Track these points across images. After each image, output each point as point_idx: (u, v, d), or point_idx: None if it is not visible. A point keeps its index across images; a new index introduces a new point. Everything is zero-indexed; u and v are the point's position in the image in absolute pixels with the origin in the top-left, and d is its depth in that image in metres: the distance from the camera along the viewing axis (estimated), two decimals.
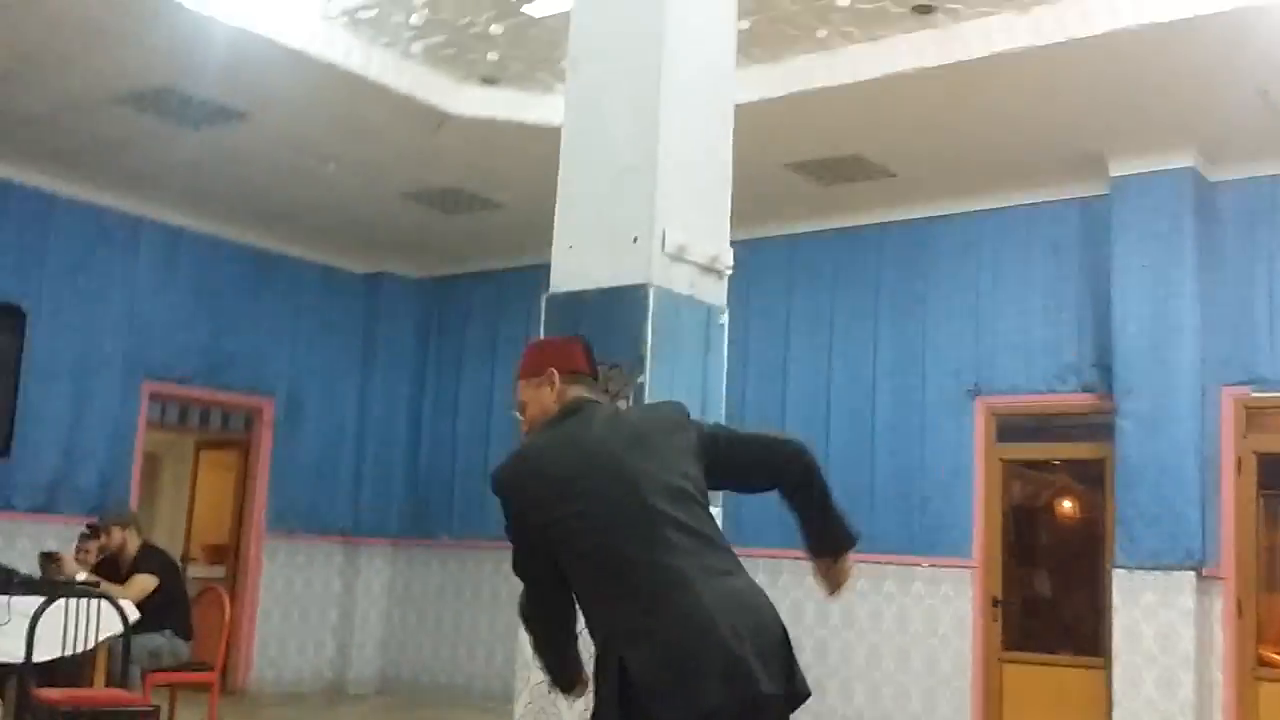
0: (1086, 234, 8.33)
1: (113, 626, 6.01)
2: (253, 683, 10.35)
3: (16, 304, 5.59)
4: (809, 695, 2.68)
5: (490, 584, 10.37)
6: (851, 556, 2.98)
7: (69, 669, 6.03)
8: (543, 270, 5.52)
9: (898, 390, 8.95)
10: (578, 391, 2.91)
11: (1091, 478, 8.39)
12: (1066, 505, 9.21)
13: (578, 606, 2.76)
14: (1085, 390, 8.24)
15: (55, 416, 8.92)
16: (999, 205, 8.68)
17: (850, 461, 8.95)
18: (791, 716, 2.69)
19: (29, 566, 7.28)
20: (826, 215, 9.23)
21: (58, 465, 8.97)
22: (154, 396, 9.80)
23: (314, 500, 10.84)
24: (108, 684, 6.22)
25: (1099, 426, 8.10)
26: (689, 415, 2.95)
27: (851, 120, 7.58)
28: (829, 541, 2.95)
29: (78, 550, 7.40)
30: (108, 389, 9.34)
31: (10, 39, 6.90)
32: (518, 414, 2.98)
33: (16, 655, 5.63)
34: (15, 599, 5.94)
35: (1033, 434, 8.66)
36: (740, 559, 2.81)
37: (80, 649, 5.94)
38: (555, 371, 2.92)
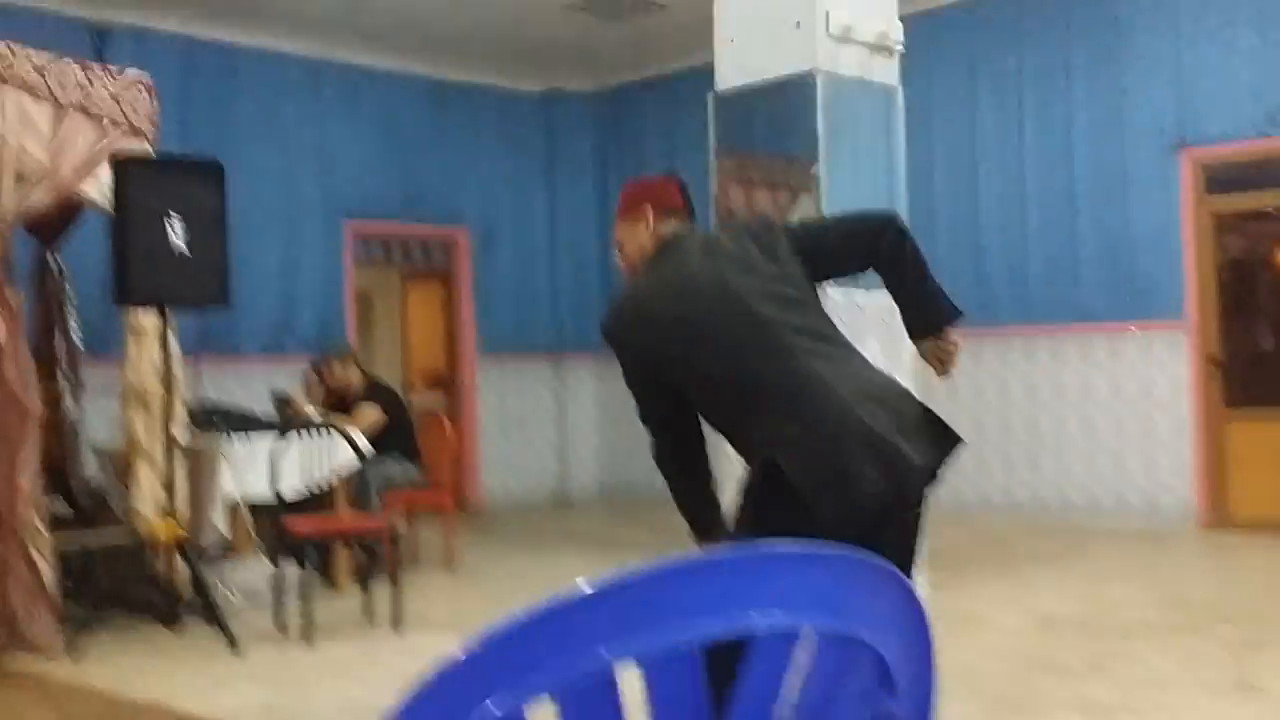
0: None
1: (347, 458, 6.43)
2: (481, 499, 10.94)
3: (215, 160, 5.82)
4: (960, 442, 2.64)
5: None
6: (957, 333, 2.84)
7: (315, 504, 6.48)
8: (711, 70, 5.46)
9: (1096, 151, 8.58)
10: (672, 227, 2.92)
11: None
12: None
13: (723, 438, 2.74)
14: None
15: (267, 264, 9.39)
16: None
17: (1051, 232, 8.72)
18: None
19: (263, 406, 7.79)
20: None
21: (276, 310, 9.50)
22: (357, 235, 10.19)
23: (518, 321, 11.19)
24: (351, 510, 6.67)
25: None
26: (774, 222, 2.95)
27: None
28: (929, 317, 2.85)
29: (305, 389, 7.86)
30: (313, 233, 9.77)
31: None
32: (617, 254, 3.01)
33: (266, 493, 6.11)
34: (258, 442, 6.39)
35: (1244, 184, 8.19)
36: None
37: (321, 483, 6.38)
38: (650, 209, 2.92)
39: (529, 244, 11.26)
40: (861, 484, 2.46)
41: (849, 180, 3.89)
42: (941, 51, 8.88)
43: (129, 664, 5.22)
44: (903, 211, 3.98)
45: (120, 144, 5.65)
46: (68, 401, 6.75)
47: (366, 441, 6.74)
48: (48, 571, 5.47)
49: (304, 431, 6.28)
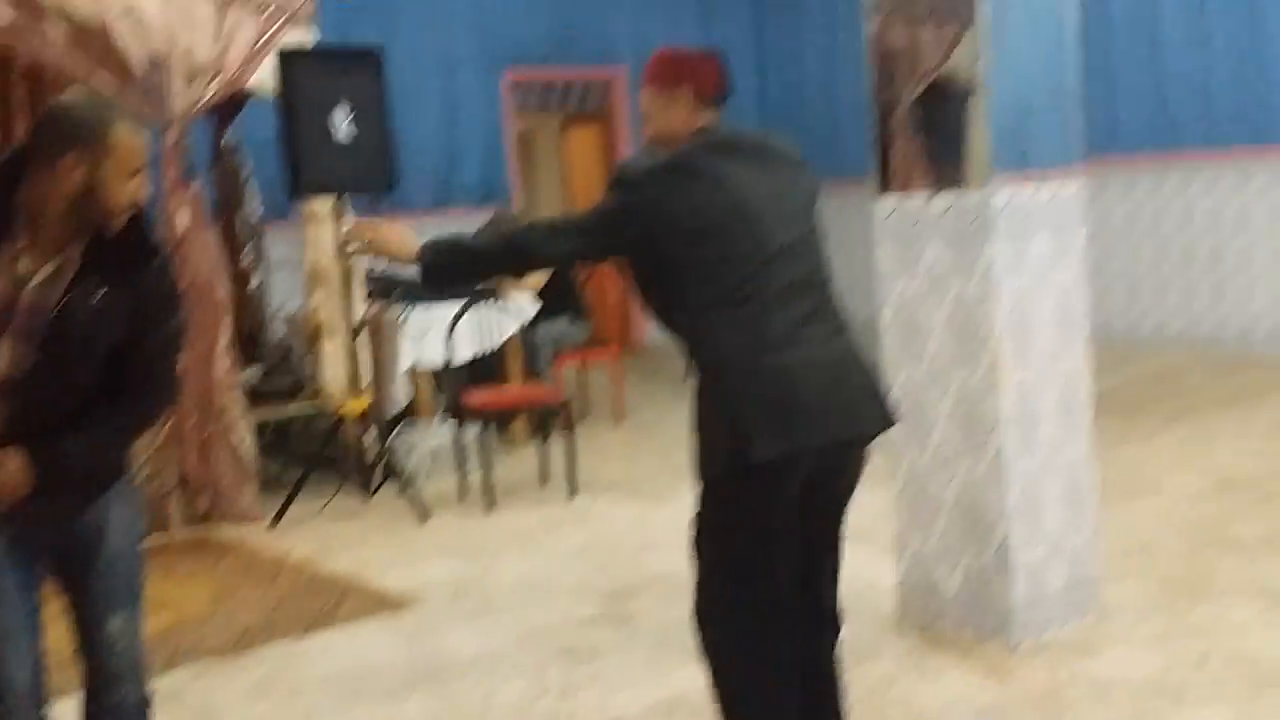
0: None
1: (517, 321, 6.62)
2: (651, 339, 11.11)
3: (373, 48, 5.87)
4: (894, 424, 2.76)
5: (858, 221, 10.41)
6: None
7: (487, 366, 6.71)
8: None
9: None
10: (709, 119, 2.79)
11: None
12: None
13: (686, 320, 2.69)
14: None
15: (429, 119, 9.51)
16: None
17: (1235, 45, 8.18)
18: None
19: None
20: None
21: (440, 163, 9.65)
22: (514, 82, 10.20)
23: None
24: (523, 376, 6.89)
25: None
26: (807, 170, 2.85)
27: None
28: None
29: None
30: (470, 83, 9.83)
31: None
32: (645, 123, 2.87)
33: (438, 360, 6.36)
34: (434, 311, 6.60)
35: None
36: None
37: (493, 346, 6.59)
38: (691, 92, 2.77)
39: None
40: (809, 433, 2.56)
41: (1020, 5, 3.69)
42: None
43: (327, 534, 5.59)
44: (1076, 41, 3.77)
45: (284, 34, 5.74)
46: (255, 276, 7.05)
47: (535, 303, 6.91)
48: (247, 446, 5.85)
49: (476, 299, 6.46)
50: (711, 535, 2.69)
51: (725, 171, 2.68)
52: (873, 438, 2.74)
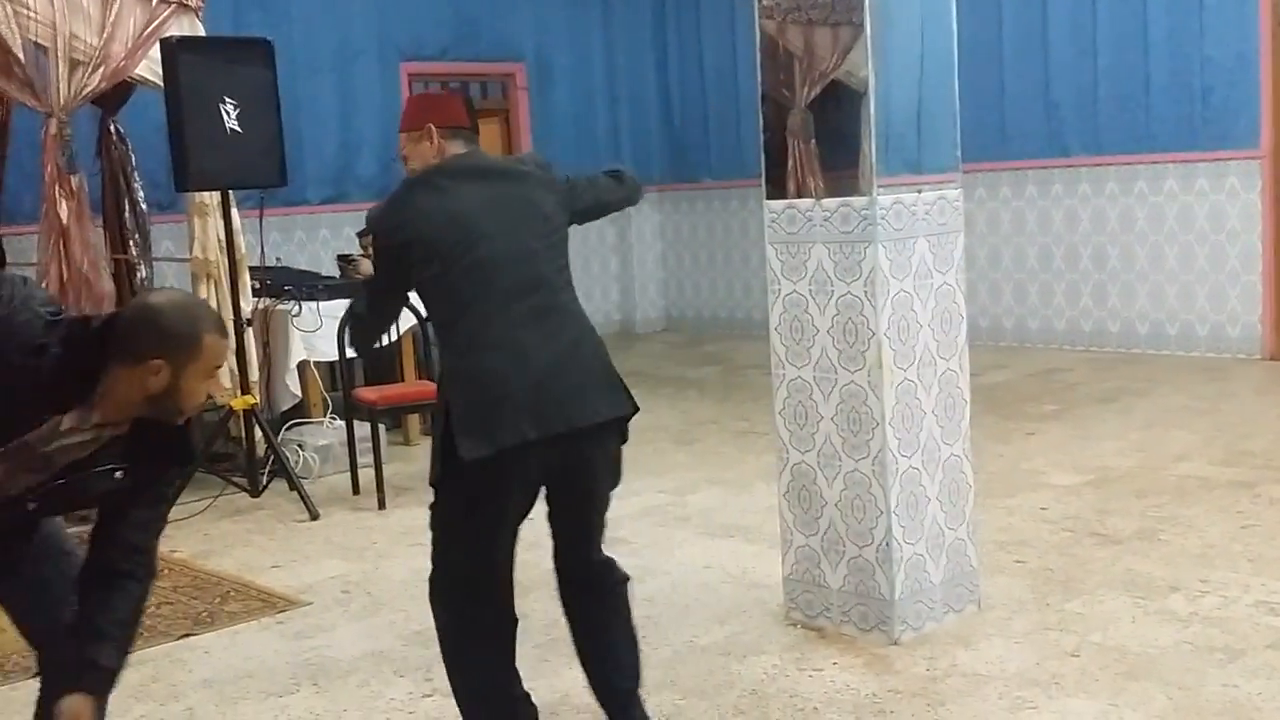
0: None
1: (410, 319, 6.55)
2: None
3: (264, 38, 5.79)
4: (636, 412, 3.02)
5: (756, 219, 10.51)
6: None
7: (382, 362, 6.65)
8: None
9: None
10: (457, 147, 3.03)
11: None
12: None
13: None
14: None
15: (326, 113, 9.39)
16: None
17: (1122, 58, 8.42)
18: None
19: (329, 257, 7.87)
20: None
21: (336, 158, 9.54)
22: (413, 76, 10.12)
23: (577, 156, 11.05)
24: (416, 372, 6.85)
25: None
26: (550, 167, 3.14)
27: None
28: None
29: (362, 246, 7.94)
30: (369, 78, 9.72)
31: None
32: (403, 164, 3.13)
33: (332, 355, 6.28)
34: (323, 303, 6.53)
35: None
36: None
37: (385, 343, 6.51)
38: (434, 127, 3.03)
39: (585, 78, 11.10)
40: (511, 431, 2.78)
41: (903, 7, 3.74)
42: None
43: (213, 532, 5.50)
44: (961, 40, 3.85)
45: (170, 24, 5.63)
46: (141, 269, 6.90)
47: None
48: None
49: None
50: (438, 524, 2.98)
51: (446, 185, 2.95)
52: (599, 428, 2.93)
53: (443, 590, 3.03)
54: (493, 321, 2.84)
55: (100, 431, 2.40)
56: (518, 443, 2.79)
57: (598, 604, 3.16)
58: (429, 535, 3.00)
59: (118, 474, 2.46)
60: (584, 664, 3.20)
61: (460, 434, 2.77)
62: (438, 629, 3.07)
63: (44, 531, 2.69)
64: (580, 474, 2.98)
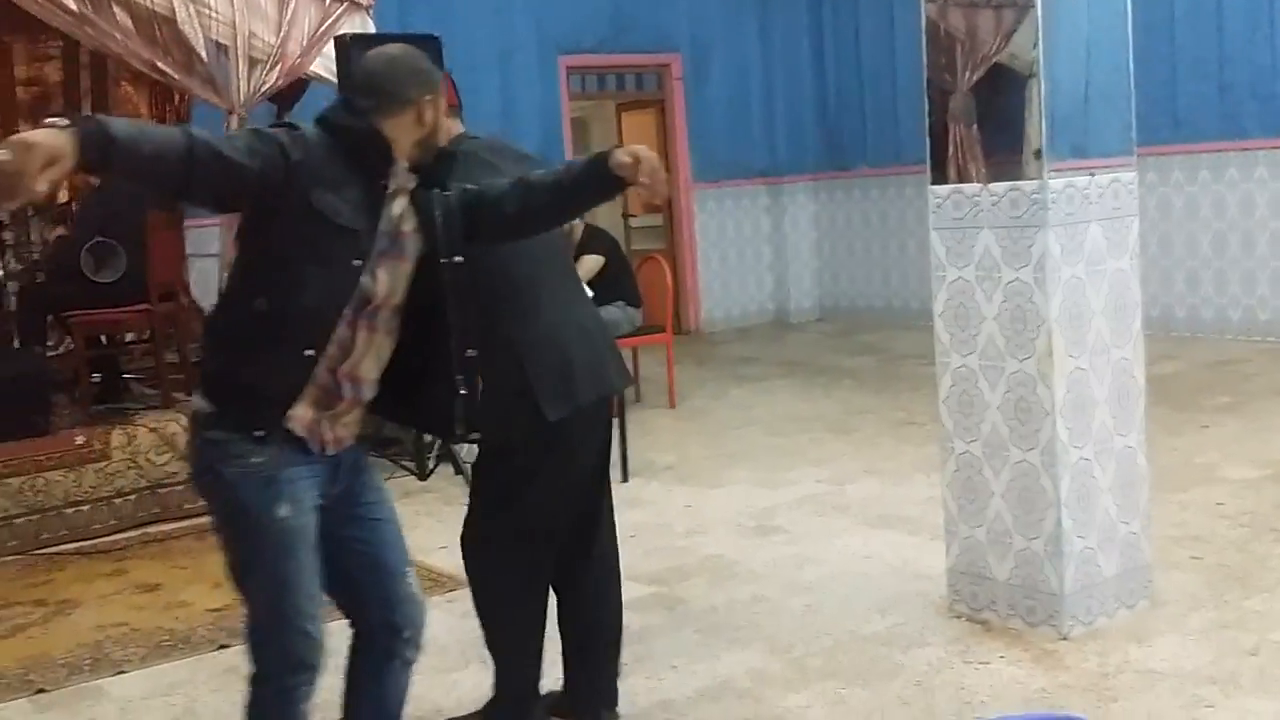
0: None
1: None
2: (704, 324, 11.15)
3: (433, 34, 5.92)
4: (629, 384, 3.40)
5: (914, 207, 10.38)
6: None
7: None
8: None
9: None
10: (458, 126, 3.16)
11: None
12: None
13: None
14: None
15: (487, 105, 9.56)
16: None
17: (1245, 37, 8.09)
18: None
19: None
20: None
21: None
22: (570, 69, 10.26)
23: (732, 147, 11.13)
24: None
25: None
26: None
27: None
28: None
29: None
30: (528, 70, 9.90)
31: None
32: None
33: None
34: None
35: None
36: None
37: None
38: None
39: (741, 68, 11.10)
40: (582, 391, 3.01)
41: None
42: None
43: None
44: (1134, 27, 3.75)
45: (343, 21, 5.82)
46: None
47: (589, 290, 6.92)
48: None
49: None
50: (503, 481, 3.18)
51: (495, 162, 3.04)
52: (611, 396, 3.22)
53: (500, 540, 3.19)
54: (555, 293, 3.07)
55: (405, 194, 2.56)
56: (591, 400, 3.04)
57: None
58: (469, 496, 3.29)
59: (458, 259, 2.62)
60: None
61: (543, 399, 2.96)
62: (479, 580, 3.28)
63: None
64: (605, 440, 3.24)
